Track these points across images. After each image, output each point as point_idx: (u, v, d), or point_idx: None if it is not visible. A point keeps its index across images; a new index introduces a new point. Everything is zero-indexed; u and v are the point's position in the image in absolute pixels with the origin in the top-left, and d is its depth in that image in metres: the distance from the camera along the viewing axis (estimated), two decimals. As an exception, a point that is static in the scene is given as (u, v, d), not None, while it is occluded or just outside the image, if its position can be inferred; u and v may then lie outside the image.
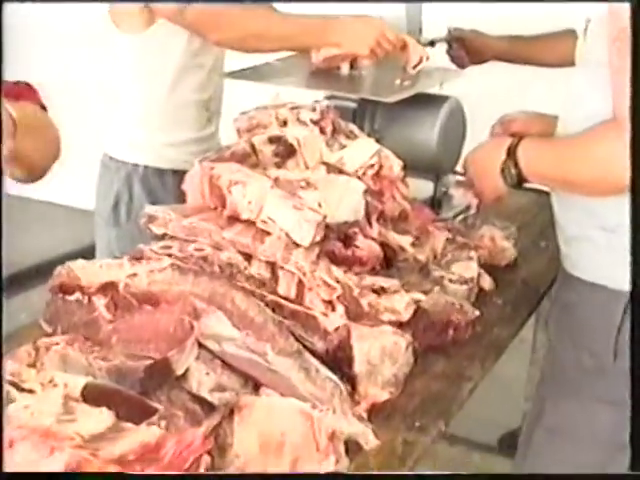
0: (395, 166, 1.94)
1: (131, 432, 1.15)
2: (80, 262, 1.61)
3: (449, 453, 3.10)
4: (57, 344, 1.43)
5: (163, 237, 1.74)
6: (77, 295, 1.58)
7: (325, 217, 1.68)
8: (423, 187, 2.54)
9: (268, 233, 1.70)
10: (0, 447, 1.01)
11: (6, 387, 1.24)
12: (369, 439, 1.54)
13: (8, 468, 1.04)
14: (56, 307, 1.60)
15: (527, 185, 1.94)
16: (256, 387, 1.50)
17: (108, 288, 1.56)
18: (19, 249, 4.54)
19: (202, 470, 1.14)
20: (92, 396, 1.24)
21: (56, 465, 1.02)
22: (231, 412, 1.39)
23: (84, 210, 4.60)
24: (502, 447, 3.21)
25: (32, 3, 2.03)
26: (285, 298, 1.64)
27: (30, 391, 1.23)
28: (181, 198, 1.89)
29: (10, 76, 1.59)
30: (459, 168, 2.47)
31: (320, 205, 1.71)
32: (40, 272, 3.97)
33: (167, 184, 2.52)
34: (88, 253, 4.42)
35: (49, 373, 1.32)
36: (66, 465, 1.01)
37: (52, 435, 1.08)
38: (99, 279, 1.56)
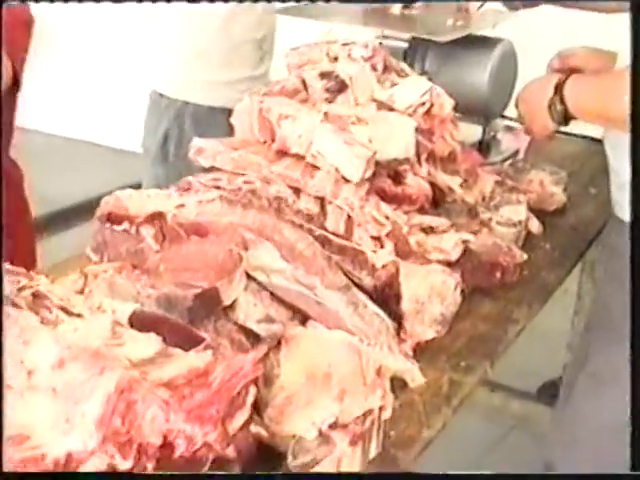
0: (446, 105, 1.91)
1: (179, 358, 1.14)
2: (128, 192, 1.60)
3: (489, 400, 3.08)
4: (105, 271, 1.42)
5: (211, 170, 1.72)
6: (125, 225, 1.57)
7: (375, 153, 1.66)
8: (471, 131, 2.51)
9: (317, 168, 1.68)
10: (0, 447, 1.01)
11: (55, 311, 1.23)
12: (415, 376, 1.53)
13: (59, 387, 1.03)
14: (103, 237, 1.59)
15: (577, 132, 1.91)
16: (303, 320, 1.49)
17: (156, 218, 1.54)
18: (63, 188, 4.57)
19: (250, 400, 1.13)
20: (140, 323, 1.23)
21: (107, 385, 1.01)
22: (278, 343, 1.38)
23: (128, 151, 4.61)
24: (541, 396, 3.19)
25: (33, 3, 2.01)
26: (333, 233, 1.62)
27: (79, 315, 1.22)
28: (231, 136, 1.87)
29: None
30: (508, 112, 2.44)
31: (370, 141, 1.69)
32: (83, 211, 3.99)
33: (218, 122, 2.50)
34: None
35: (97, 299, 1.31)
36: (117, 385, 1.01)
37: (102, 356, 1.07)
38: (147, 209, 1.55)
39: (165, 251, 1.49)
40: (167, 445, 1.05)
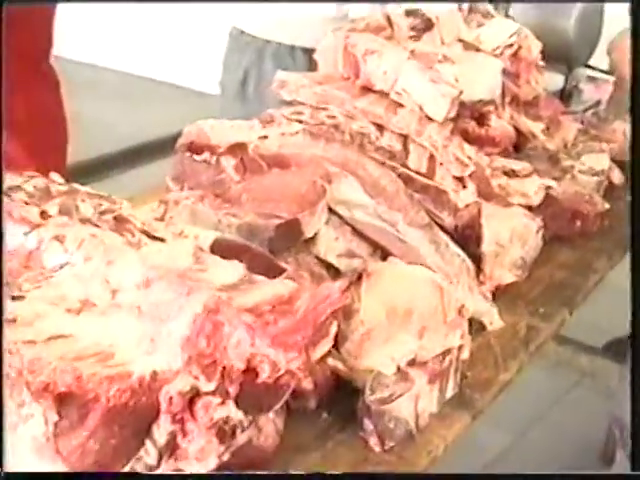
0: (534, 48, 1.88)
1: (263, 285, 1.13)
2: (210, 122, 1.59)
3: (557, 353, 3.06)
4: (187, 198, 1.41)
5: (293, 104, 1.71)
6: (205, 155, 1.56)
7: (461, 92, 1.63)
8: (553, 80, 2.46)
9: (401, 105, 1.66)
10: (0, 447, 1.00)
11: (137, 234, 1.22)
12: (494, 319, 1.51)
13: (144, 307, 1.03)
14: (183, 166, 1.58)
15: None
16: (384, 256, 1.47)
17: (238, 149, 1.53)
18: (138, 126, 4.58)
19: (333, 331, 1.12)
20: (222, 250, 1.22)
21: (194, 306, 1.00)
22: (359, 278, 1.37)
23: (203, 93, 4.61)
24: (607, 352, 3.16)
25: (33, 3, 2.01)
26: (416, 172, 1.60)
27: (161, 240, 1.21)
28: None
29: None
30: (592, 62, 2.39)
31: (457, 80, 1.66)
32: (157, 149, 4.00)
33: (298, 62, 2.48)
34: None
35: (179, 226, 1.30)
36: (204, 306, 1.00)
37: (189, 277, 1.06)
38: (229, 139, 1.54)
39: (247, 181, 1.47)
40: (250, 370, 1.04)
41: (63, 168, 2.28)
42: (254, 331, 1.03)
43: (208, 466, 1.04)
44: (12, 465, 1.07)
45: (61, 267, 1.16)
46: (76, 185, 1.40)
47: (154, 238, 1.22)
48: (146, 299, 1.05)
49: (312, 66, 2.06)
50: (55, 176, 1.43)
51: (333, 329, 1.13)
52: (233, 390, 1.04)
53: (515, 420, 2.87)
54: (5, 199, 1.28)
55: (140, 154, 4.20)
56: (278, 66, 2.45)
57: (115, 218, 1.28)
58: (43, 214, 1.24)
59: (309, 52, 2.31)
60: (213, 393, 1.02)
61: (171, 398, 1.00)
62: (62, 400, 1.00)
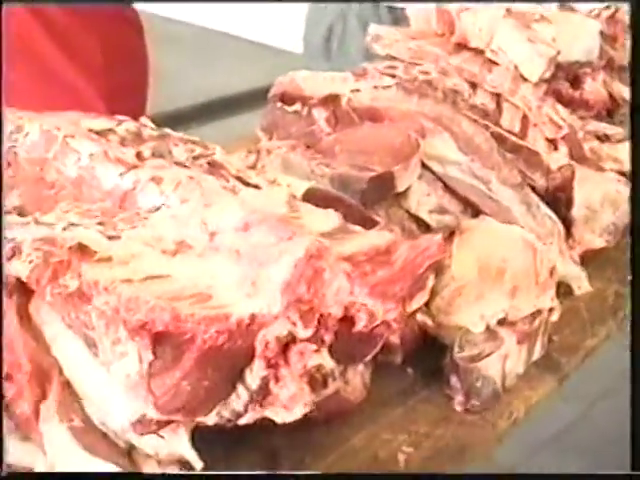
0: (632, 10, 1.83)
1: (359, 235, 1.12)
2: (303, 72, 1.58)
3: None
4: (279, 148, 1.40)
5: (386, 58, 1.69)
6: (297, 106, 1.55)
7: (559, 53, 1.60)
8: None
9: (496, 63, 1.63)
10: (0, 447, 0.99)
11: (231, 181, 1.21)
12: (582, 284, 1.49)
13: (243, 250, 1.02)
14: (274, 117, 1.57)
15: None
16: (474, 214, 1.45)
17: (330, 101, 1.52)
18: (214, 80, 4.59)
19: (430, 284, 1.10)
20: (314, 200, 1.21)
21: (296, 251, 0.99)
22: (451, 234, 1.35)
23: (277, 49, 4.59)
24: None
25: (33, 3, 1.99)
26: (508, 131, 1.57)
27: (255, 186, 1.20)
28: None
29: None
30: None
31: (554, 40, 1.62)
32: (230, 104, 4.00)
33: (383, 19, 2.46)
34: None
35: (271, 174, 1.29)
36: (306, 251, 0.99)
37: (290, 223, 1.05)
38: (322, 91, 1.53)
39: (338, 133, 1.46)
40: (347, 318, 1.03)
41: (142, 114, 2.27)
42: (354, 279, 1.02)
43: (295, 414, 1.03)
44: (105, 403, 1.07)
45: (157, 209, 1.15)
46: (167, 130, 1.40)
47: (248, 185, 1.21)
48: (245, 242, 1.04)
49: (396, 24, 2.04)
50: (145, 120, 1.43)
51: (430, 283, 1.11)
52: (328, 338, 1.03)
53: (588, 390, 2.84)
54: (101, 139, 1.28)
55: (215, 109, 4.20)
56: (363, 24, 2.44)
57: (209, 163, 1.27)
58: (139, 155, 1.23)
59: (394, 10, 2.30)
60: (309, 340, 1.01)
61: (267, 343, 0.99)
62: (158, 339, 0.99)
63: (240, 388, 1.03)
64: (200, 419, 1.01)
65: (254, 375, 1.02)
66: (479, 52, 1.65)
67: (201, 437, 1.09)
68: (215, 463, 1.09)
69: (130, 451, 1.08)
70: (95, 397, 1.09)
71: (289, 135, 1.55)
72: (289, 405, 1.02)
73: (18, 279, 1.15)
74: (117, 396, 1.06)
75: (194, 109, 4.01)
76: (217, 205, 1.10)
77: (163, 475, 1.02)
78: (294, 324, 1.00)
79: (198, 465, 1.06)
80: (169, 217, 1.13)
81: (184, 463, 1.07)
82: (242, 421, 1.03)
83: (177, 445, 1.05)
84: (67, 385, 1.10)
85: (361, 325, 1.04)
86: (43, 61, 1.92)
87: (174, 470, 1.07)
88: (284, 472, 1.08)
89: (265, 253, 1.02)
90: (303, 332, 1.01)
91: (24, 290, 1.17)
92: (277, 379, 1.03)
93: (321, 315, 1.02)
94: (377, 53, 1.71)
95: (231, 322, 0.97)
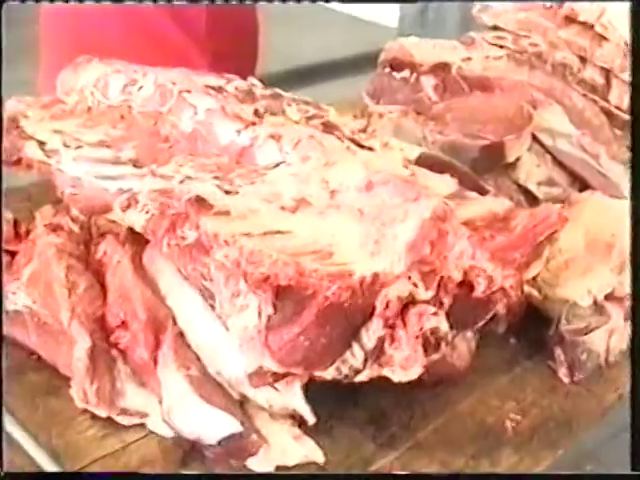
0: None
1: (477, 201, 1.12)
2: (413, 39, 1.57)
3: None
4: (391, 112, 1.40)
5: (494, 29, 1.68)
6: (405, 73, 1.54)
7: (672, 30, 1.57)
8: None
9: (606, 39, 1.61)
10: (0, 447, 0.99)
11: (345, 142, 1.21)
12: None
13: (366, 209, 1.02)
14: (381, 83, 1.57)
15: None
16: (581, 188, 1.44)
17: (440, 69, 1.51)
18: (301, 48, 4.59)
19: (546, 254, 1.10)
20: (426, 165, 1.21)
21: (422, 212, 0.99)
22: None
23: (364, 20, 4.58)
24: None
25: (33, 3, 1.98)
26: (617, 108, 1.55)
27: (370, 149, 1.20)
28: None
29: None
30: None
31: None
32: (318, 72, 4.00)
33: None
34: (362, 60, 4.41)
35: (383, 138, 1.29)
36: (432, 213, 0.99)
37: (415, 183, 1.05)
38: (432, 58, 1.52)
39: (449, 101, 1.46)
40: (466, 282, 1.03)
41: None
42: (475, 243, 1.01)
43: (412, 375, 1.04)
44: (220, 354, 1.08)
45: (276, 166, 1.16)
46: (278, 90, 1.40)
47: (362, 147, 1.22)
48: (368, 201, 1.04)
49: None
50: (254, 80, 1.43)
51: (546, 252, 1.11)
52: (447, 302, 1.03)
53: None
54: (218, 95, 1.29)
55: (303, 77, 4.20)
56: (461, -6, 2.43)
57: (323, 124, 1.28)
58: (256, 112, 1.24)
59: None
60: (428, 302, 1.01)
61: (388, 302, 0.99)
62: (279, 294, 1.00)
63: (355, 347, 1.03)
64: (318, 373, 1.02)
65: (370, 334, 1.02)
66: (588, 26, 1.63)
67: (310, 394, 1.09)
68: (325, 419, 1.10)
69: (243, 403, 1.09)
70: (209, 348, 1.10)
71: (395, 101, 1.54)
72: (405, 365, 1.02)
73: (130, 229, 1.17)
74: (233, 348, 1.07)
75: (282, 75, 4.01)
76: (339, 164, 1.11)
77: (163, 475, 1.03)
78: (415, 285, 1.00)
79: (311, 419, 1.07)
80: (288, 174, 1.13)
81: (297, 417, 1.08)
82: (359, 378, 1.03)
83: (291, 399, 1.06)
84: (181, 335, 1.11)
85: (480, 290, 1.04)
86: (147, 21, 1.93)
87: (286, 423, 1.08)
88: (283, 472, 1.08)
89: (389, 213, 1.02)
90: (424, 293, 1.01)
91: (137, 240, 1.18)
92: (392, 339, 1.03)
93: (441, 278, 1.02)
94: (483, 23, 1.69)
95: (354, 280, 0.98)
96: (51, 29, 2.01)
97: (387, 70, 1.56)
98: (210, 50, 2.01)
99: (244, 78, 1.43)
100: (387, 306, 0.99)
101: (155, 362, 1.08)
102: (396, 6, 2.71)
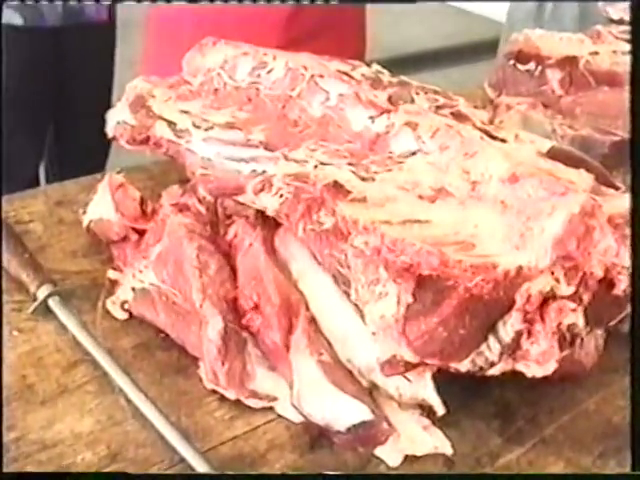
0: None
1: (614, 197, 1.10)
2: (538, 32, 1.56)
3: None
4: (519, 104, 1.39)
5: (620, 23, 1.65)
6: (530, 65, 1.53)
7: None
8: None
9: None
10: (0, 447, 0.98)
11: (476, 133, 1.20)
12: None
13: (509, 201, 1.01)
14: (504, 74, 1.56)
15: None
16: None
17: (568, 62, 1.50)
18: (400, 37, 4.58)
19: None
20: (558, 159, 1.19)
21: (571, 206, 0.99)
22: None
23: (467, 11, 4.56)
24: None
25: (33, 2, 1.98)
26: None
27: (502, 140, 1.19)
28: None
29: None
30: None
31: None
32: (419, 61, 3.99)
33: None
34: (462, 51, 4.40)
35: (512, 130, 1.27)
36: (581, 208, 0.98)
37: (562, 178, 1.04)
38: (560, 52, 1.50)
39: (577, 95, 1.44)
40: (607, 280, 1.01)
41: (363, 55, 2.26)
42: (619, 240, 1.00)
43: (547, 370, 1.03)
44: (352, 341, 1.08)
45: (412, 154, 1.15)
46: (405, 78, 1.40)
47: (495, 138, 1.20)
48: (512, 194, 1.03)
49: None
50: (378, 66, 1.43)
51: (687, 251, 1.09)
52: (586, 298, 1.02)
53: None
54: (351, 81, 1.28)
55: (404, 65, 4.20)
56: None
57: (453, 114, 1.27)
58: (390, 99, 1.23)
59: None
60: (568, 297, 1.00)
61: (530, 296, 0.98)
62: (420, 283, 1.00)
63: (491, 339, 1.03)
64: (454, 365, 1.01)
65: (508, 328, 1.01)
66: None
67: (437, 386, 1.09)
68: (451, 411, 1.10)
69: (372, 391, 1.09)
70: (341, 334, 1.10)
71: (518, 93, 1.53)
72: (541, 361, 1.01)
73: (259, 211, 1.17)
74: (365, 335, 1.06)
75: (384, 63, 4.01)
76: (480, 155, 1.10)
77: (164, 475, 1.02)
78: (557, 280, 0.99)
79: (441, 410, 1.06)
80: (426, 163, 1.13)
81: (425, 407, 1.07)
82: (492, 371, 1.03)
83: (422, 389, 1.06)
84: (313, 320, 1.11)
85: (620, 288, 1.02)
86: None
87: (415, 413, 1.08)
88: (283, 472, 1.07)
89: (535, 206, 1.01)
90: (565, 289, 1.00)
91: (267, 223, 1.19)
92: (529, 334, 1.02)
93: (584, 274, 1.01)
94: (610, 17, 1.67)
95: (497, 272, 0.97)
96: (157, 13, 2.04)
97: (511, 62, 1.54)
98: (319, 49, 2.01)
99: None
100: (528, 300, 0.98)
101: (287, 347, 1.08)
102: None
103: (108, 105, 2.51)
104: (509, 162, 1.06)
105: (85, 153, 2.56)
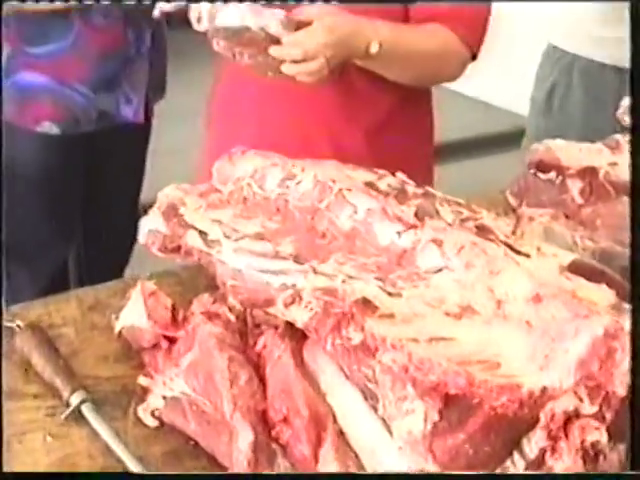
0: None
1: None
2: (559, 142, 1.60)
3: None
4: (541, 216, 1.42)
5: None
6: (551, 174, 1.57)
7: None
8: None
9: None
10: (0, 447, 1.00)
11: (501, 246, 1.23)
12: None
13: (534, 322, 1.04)
14: (526, 183, 1.60)
15: None
16: None
17: (588, 173, 1.54)
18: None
19: None
20: (579, 272, 1.22)
21: (594, 329, 1.01)
22: None
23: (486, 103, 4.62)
24: None
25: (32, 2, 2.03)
26: None
27: (526, 255, 1.22)
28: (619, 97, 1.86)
29: None
30: None
31: None
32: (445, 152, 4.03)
33: (607, 80, 2.47)
34: (480, 144, 4.45)
35: (534, 242, 1.31)
36: (605, 330, 1.01)
37: (583, 299, 1.07)
38: (580, 162, 1.54)
39: (597, 206, 1.47)
40: (628, 397, 1.04)
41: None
42: (643, 359, 1.03)
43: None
44: (379, 454, 1.10)
45: (438, 270, 1.19)
46: (430, 189, 1.43)
47: (519, 252, 1.24)
48: (537, 314, 1.07)
49: (621, 86, 2.05)
50: (403, 176, 1.46)
51: None
52: (609, 416, 1.04)
53: None
54: (379, 196, 1.32)
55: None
56: (586, 83, 2.45)
57: (477, 227, 1.30)
58: (417, 215, 1.27)
59: (621, 71, 2.30)
60: (592, 416, 1.03)
61: (554, 415, 1.01)
62: (446, 401, 1.02)
63: (516, 455, 1.05)
64: (479, 480, 1.04)
65: (532, 445, 1.04)
66: None
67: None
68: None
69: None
70: (369, 448, 1.13)
71: (540, 201, 1.57)
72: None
73: (289, 322, 1.20)
74: (392, 449, 1.09)
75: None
76: (504, 273, 1.13)
77: (163, 475, 1.04)
78: (581, 400, 1.02)
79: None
80: (452, 280, 1.16)
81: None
82: (522, 486, 1.05)
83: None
84: (341, 433, 1.14)
85: (646, 405, 1.04)
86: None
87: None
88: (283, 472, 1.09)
89: (559, 328, 1.04)
90: (589, 408, 1.02)
91: (295, 334, 1.22)
92: (554, 450, 1.04)
93: (606, 393, 1.03)
94: (626, 126, 1.71)
95: (522, 393, 1.00)
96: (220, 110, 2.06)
97: (532, 171, 1.58)
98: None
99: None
100: (552, 419, 1.01)
101: (316, 459, 1.10)
102: (527, 93, 2.73)
103: (137, 202, 2.57)
104: (533, 282, 1.10)
105: (113, 247, 2.60)
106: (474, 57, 1.84)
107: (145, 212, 1.44)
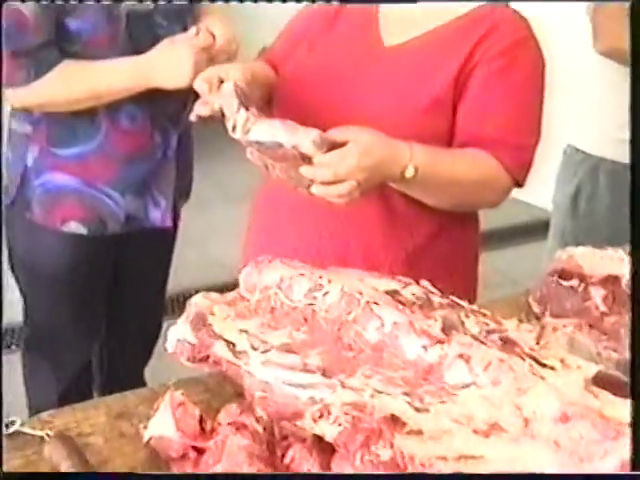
0: None
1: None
2: (581, 249, 1.62)
3: None
4: (565, 326, 1.44)
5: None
6: (573, 282, 1.58)
7: None
8: None
9: None
10: (0, 447, 1.01)
11: (527, 360, 1.25)
12: None
13: (562, 442, 1.05)
14: (549, 290, 1.62)
15: None
16: None
17: (609, 281, 1.55)
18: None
19: None
20: (602, 384, 1.23)
21: (622, 451, 1.02)
22: None
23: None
24: None
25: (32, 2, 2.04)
26: None
27: (551, 368, 1.24)
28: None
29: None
30: None
31: None
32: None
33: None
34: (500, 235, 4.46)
35: (558, 353, 1.32)
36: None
37: (608, 419, 1.08)
38: (602, 270, 1.56)
39: (621, 316, 1.49)
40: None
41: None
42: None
43: None
44: None
45: (466, 386, 1.20)
46: (456, 299, 1.45)
47: (544, 365, 1.25)
48: (565, 434, 1.08)
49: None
50: (428, 284, 1.48)
51: None
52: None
53: None
54: (405, 309, 1.34)
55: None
56: (612, 184, 2.48)
57: (502, 339, 1.32)
58: (444, 329, 1.28)
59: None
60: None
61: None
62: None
63: None
64: None
65: None
66: None
67: None
68: None
69: None
70: None
71: (563, 309, 1.59)
72: None
73: (317, 435, 1.21)
74: None
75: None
76: (532, 391, 1.14)
77: (164, 475, 1.04)
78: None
79: None
80: (479, 397, 1.17)
81: None
82: None
83: None
84: None
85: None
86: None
87: None
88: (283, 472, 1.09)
89: (588, 448, 1.05)
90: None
91: (323, 447, 1.23)
92: None
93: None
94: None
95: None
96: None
97: (554, 278, 1.60)
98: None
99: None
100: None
101: None
102: (549, 190, 2.75)
103: (162, 300, 2.59)
104: (560, 400, 1.11)
105: (135, 345, 2.62)
106: (519, 184, 1.79)
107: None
